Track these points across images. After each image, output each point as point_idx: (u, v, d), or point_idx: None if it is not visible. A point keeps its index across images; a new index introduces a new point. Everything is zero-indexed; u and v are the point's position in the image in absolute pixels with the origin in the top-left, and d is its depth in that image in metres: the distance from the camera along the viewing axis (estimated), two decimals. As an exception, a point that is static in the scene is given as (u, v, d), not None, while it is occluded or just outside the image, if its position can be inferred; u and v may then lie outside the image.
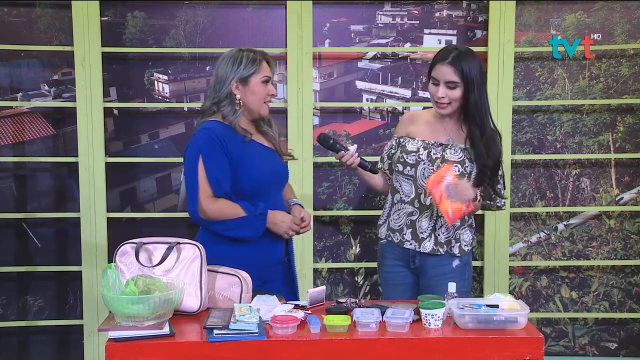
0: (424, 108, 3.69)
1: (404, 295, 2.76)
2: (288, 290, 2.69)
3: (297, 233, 2.69)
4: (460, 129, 2.74)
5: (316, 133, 3.59)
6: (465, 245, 2.76)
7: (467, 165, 2.70)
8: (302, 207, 2.74)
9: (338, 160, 2.76)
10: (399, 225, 2.77)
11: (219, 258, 2.47)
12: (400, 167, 2.76)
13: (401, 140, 2.81)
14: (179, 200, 3.69)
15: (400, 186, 2.78)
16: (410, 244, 2.75)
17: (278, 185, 2.73)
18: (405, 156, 2.74)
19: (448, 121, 2.75)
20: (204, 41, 3.61)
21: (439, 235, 2.72)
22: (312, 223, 2.73)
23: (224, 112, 2.57)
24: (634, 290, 3.80)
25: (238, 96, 2.58)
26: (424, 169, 2.71)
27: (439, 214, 2.68)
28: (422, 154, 2.72)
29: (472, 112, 2.67)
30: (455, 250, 2.73)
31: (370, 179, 2.88)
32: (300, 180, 3.57)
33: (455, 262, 2.74)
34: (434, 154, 2.71)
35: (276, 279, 2.68)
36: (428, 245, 2.73)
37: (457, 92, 2.66)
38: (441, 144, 2.73)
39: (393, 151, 2.83)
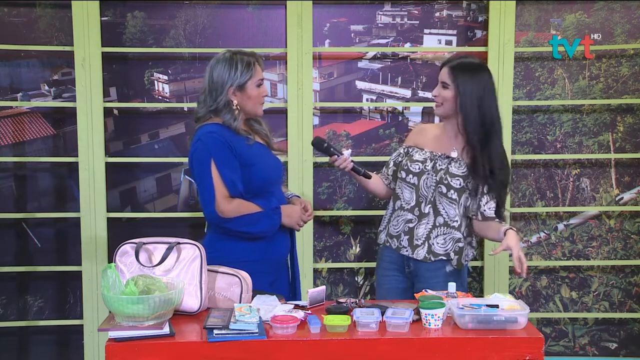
0: (424, 108, 3.72)
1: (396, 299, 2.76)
2: (290, 288, 2.74)
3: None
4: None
5: (316, 133, 3.59)
6: (465, 260, 2.79)
7: (469, 180, 2.72)
8: (299, 197, 2.82)
9: (331, 164, 2.80)
10: (397, 232, 2.80)
11: (231, 255, 2.52)
12: (404, 174, 2.79)
13: (410, 149, 2.85)
14: (179, 200, 3.69)
15: (402, 193, 2.80)
16: (406, 250, 2.77)
17: (279, 180, 2.79)
18: (409, 164, 2.78)
19: (458, 136, 2.75)
20: (204, 41, 3.61)
21: (433, 244, 2.73)
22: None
23: (225, 119, 2.61)
24: (634, 290, 3.79)
25: (235, 102, 2.61)
26: (427, 179, 2.74)
27: (436, 223, 2.73)
28: (427, 165, 2.75)
29: (463, 123, 2.67)
30: (454, 263, 2.75)
31: (366, 183, 2.91)
32: (300, 180, 3.57)
33: (448, 267, 2.76)
34: (439, 165, 2.74)
35: (284, 274, 2.75)
36: (421, 253, 2.75)
37: (447, 93, 2.70)
38: (448, 157, 2.75)
39: (400, 159, 2.87)
